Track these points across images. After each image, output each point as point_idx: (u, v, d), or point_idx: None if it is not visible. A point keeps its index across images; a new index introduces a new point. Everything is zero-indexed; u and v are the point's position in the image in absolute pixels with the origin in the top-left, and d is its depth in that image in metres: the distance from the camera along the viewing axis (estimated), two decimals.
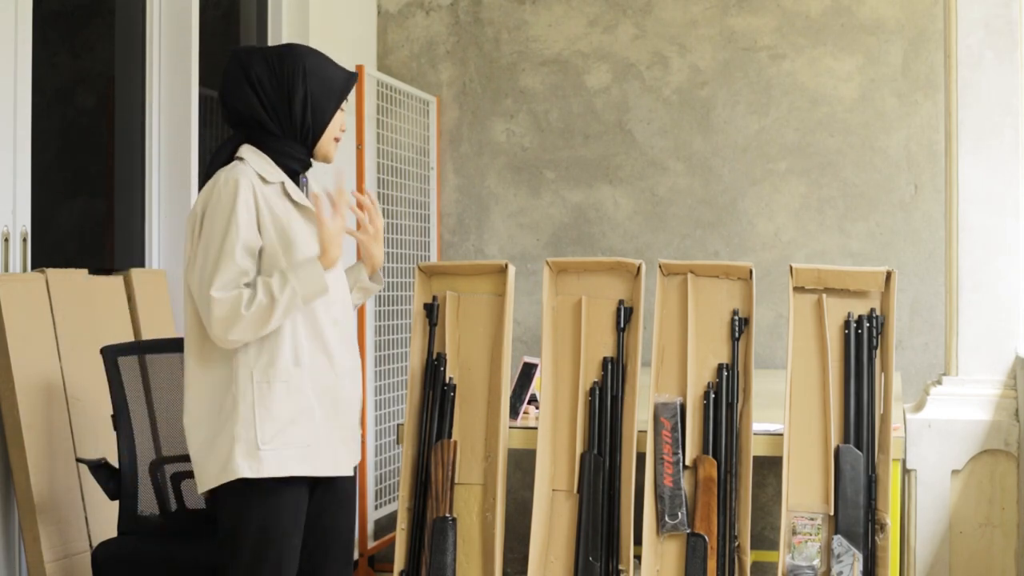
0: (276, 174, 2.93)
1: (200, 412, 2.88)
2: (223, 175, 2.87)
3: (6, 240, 3.74)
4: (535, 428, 3.65)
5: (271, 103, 2.92)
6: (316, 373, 2.91)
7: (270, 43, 4.99)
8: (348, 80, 3.03)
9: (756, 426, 3.57)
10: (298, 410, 2.87)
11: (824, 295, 3.58)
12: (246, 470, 2.81)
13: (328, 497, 3.01)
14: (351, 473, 3.04)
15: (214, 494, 2.89)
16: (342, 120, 3.02)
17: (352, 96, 5.15)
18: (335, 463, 2.96)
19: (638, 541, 3.56)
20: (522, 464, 4.96)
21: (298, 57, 2.95)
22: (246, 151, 2.93)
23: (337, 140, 3.04)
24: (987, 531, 3.84)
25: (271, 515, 2.86)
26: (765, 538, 5.17)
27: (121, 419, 3.61)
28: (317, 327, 2.92)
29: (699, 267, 3.65)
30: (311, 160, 3.02)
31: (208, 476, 2.86)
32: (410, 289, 5.58)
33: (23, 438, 3.56)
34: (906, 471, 3.84)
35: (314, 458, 2.90)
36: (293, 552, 2.90)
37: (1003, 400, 3.89)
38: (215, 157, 2.96)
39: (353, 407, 3.02)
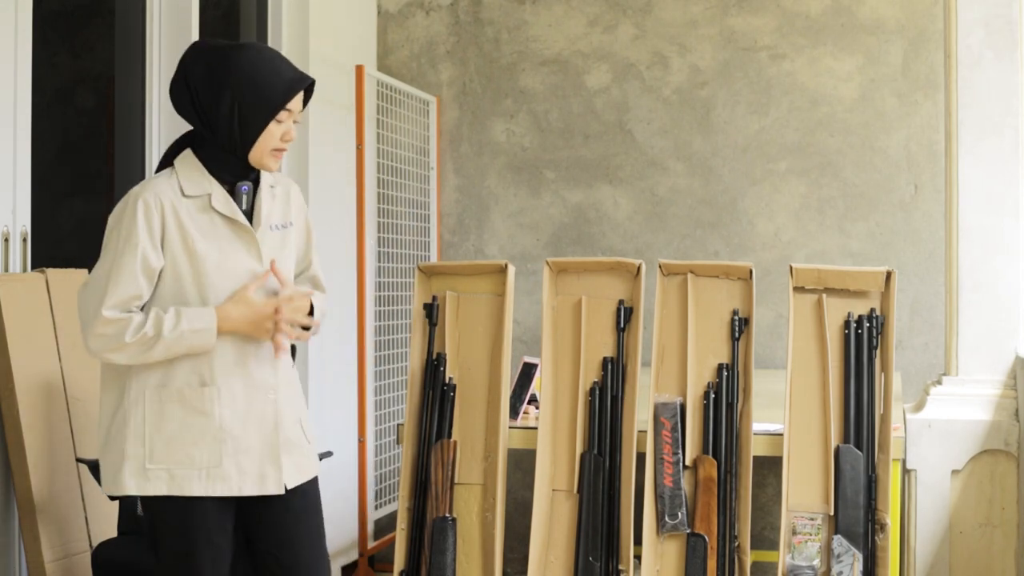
0: (203, 186, 2.79)
1: (103, 417, 2.83)
2: (132, 191, 2.78)
3: (6, 240, 3.74)
4: (535, 428, 3.65)
5: (203, 108, 2.78)
6: (223, 392, 2.78)
7: (270, 43, 4.99)
8: (288, 90, 2.79)
9: (756, 426, 3.57)
10: (197, 430, 2.76)
11: (824, 295, 3.58)
12: (132, 487, 2.75)
13: (270, 517, 2.88)
14: (280, 491, 2.82)
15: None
16: (284, 131, 2.80)
17: (352, 96, 5.19)
18: (261, 481, 2.81)
19: (638, 541, 3.56)
20: (522, 464, 4.96)
21: (237, 61, 2.76)
22: (182, 157, 2.83)
23: (278, 152, 2.82)
24: (987, 531, 3.84)
25: (180, 530, 2.80)
26: (765, 538, 5.17)
27: None
28: (237, 349, 2.79)
29: (699, 267, 3.65)
30: (250, 169, 2.83)
31: (104, 482, 2.84)
32: (410, 289, 5.58)
33: (23, 438, 3.56)
34: (906, 471, 3.84)
35: (220, 478, 2.76)
36: (211, 568, 2.81)
37: (1003, 400, 3.89)
38: (162, 159, 2.88)
39: (282, 422, 2.83)
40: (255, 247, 2.81)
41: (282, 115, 2.78)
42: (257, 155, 2.80)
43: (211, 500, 2.80)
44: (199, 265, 2.76)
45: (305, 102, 2.87)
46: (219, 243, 2.77)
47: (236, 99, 2.76)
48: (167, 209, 2.74)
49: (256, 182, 2.86)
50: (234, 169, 2.82)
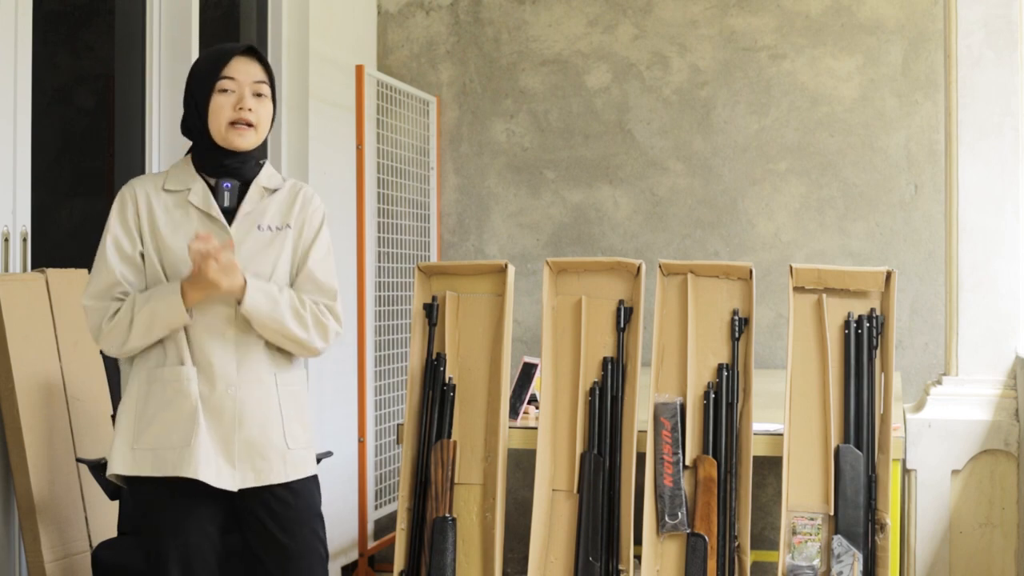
0: (185, 182, 2.91)
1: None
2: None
3: (6, 240, 3.74)
4: (535, 428, 3.65)
5: (186, 112, 2.97)
6: (189, 382, 2.82)
7: (270, 43, 5.00)
8: (219, 58, 2.90)
9: (756, 426, 3.57)
10: (175, 408, 2.81)
11: (824, 295, 3.58)
12: (120, 467, 2.85)
13: (257, 521, 2.91)
14: (233, 488, 2.84)
15: None
16: (234, 100, 2.88)
17: (352, 96, 5.19)
18: (216, 474, 2.82)
19: (638, 541, 3.56)
20: (522, 464, 4.96)
21: (194, 63, 2.98)
22: (182, 159, 2.99)
23: (235, 125, 2.87)
24: (987, 531, 3.84)
25: (144, 513, 2.90)
26: (765, 538, 5.17)
27: None
28: (197, 338, 2.84)
29: (699, 267, 3.65)
30: (225, 165, 2.91)
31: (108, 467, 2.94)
32: (410, 289, 5.58)
33: (23, 438, 3.56)
34: (906, 471, 3.84)
35: (188, 460, 2.78)
36: (181, 554, 2.84)
37: (1003, 400, 3.89)
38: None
39: (243, 421, 2.86)
40: (229, 242, 2.86)
41: (225, 83, 2.89)
42: (218, 132, 2.88)
43: (194, 497, 2.84)
44: (169, 257, 2.86)
45: (273, 83, 2.94)
46: (190, 237, 2.83)
47: (188, 86, 2.93)
48: (141, 201, 2.89)
49: (248, 182, 2.94)
50: (214, 161, 2.91)
